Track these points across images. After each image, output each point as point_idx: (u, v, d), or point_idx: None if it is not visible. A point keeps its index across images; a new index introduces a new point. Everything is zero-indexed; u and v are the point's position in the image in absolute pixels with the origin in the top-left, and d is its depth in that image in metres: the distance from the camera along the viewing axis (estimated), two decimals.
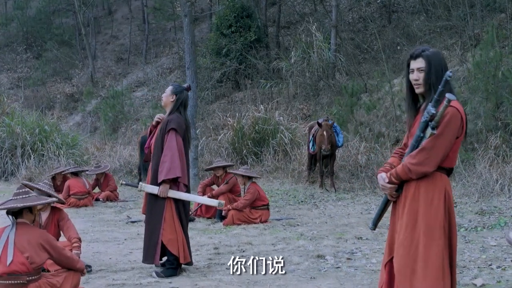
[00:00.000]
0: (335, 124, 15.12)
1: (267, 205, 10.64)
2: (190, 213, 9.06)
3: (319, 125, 14.54)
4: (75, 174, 13.86)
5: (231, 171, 11.71)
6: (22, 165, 20.78)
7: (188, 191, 6.92)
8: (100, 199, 14.37)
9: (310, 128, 15.91)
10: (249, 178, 10.71)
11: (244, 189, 10.69)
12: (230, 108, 23.39)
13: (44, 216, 7.17)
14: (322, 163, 15.03)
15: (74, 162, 20.85)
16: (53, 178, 14.58)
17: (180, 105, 6.87)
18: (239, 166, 15.52)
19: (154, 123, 7.03)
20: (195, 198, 7.72)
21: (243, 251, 7.99)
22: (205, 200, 7.86)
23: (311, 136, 15.35)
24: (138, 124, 26.26)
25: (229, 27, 25.88)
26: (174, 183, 6.70)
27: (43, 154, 21.08)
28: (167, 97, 6.92)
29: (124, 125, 27.40)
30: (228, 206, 10.47)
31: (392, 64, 21.08)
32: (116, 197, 14.73)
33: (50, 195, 6.53)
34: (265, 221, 10.41)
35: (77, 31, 39.24)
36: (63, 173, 14.58)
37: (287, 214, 11.57)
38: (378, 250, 7.69)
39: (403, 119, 18.84)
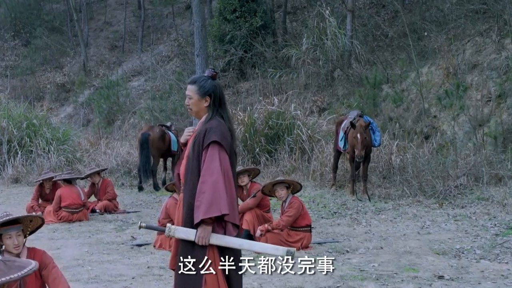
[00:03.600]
0: (371, 120, 12.98)
1: (310, 226, 8.53)
2: None
3: (352, 125, 12.37)
4: (68, 181, 11.61)
5: (279, 182, 8.98)
6: (9, 162, 18.76)
7: (239, 234, 4.73)
8: (97, 210, 12.17)
9: (339, 122, 13.81)
10: (289, 188, 8.56)
11: (285, 204, 8.51)
12: (236, 100, 21.41)
13: None
14: (354, 166, 12.96)
15: (65, 159, 18.93)
16: (41, 185, 12.42)
17: (219, 105, 4.77)
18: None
19: (183, 141, 4.91)
20: (252, 245, 4.84)
21: None
22: (267, 247, 5.01)
23: (342, 132, 13.23)
24: (136, 117, 24.28)
25: (233, 11, 23.93)
26: (219, 223, 4.50)
27: (32, 151, 19.11)
28: (197, 103, 4.75)
29: (119, 117, 25.45)
30: (266, 225, 8.37)
31: (416, 52, 18.96)
32: (116, 207, 12.52)
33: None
34: (307, 247, 8.31)
35: (69, 17, 37.50)
36: (53, 179, 12.38)
37: (327, 234, 9.51)
38: None
39: (433, 112, 16.90)
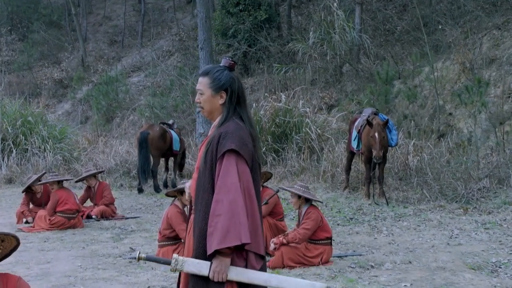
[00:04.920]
0: (387, 118, 12.06)
1: (331, 238, 7.58)
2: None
3: (369, 124, 11.44)
4: (61, 183, 10.61)
5: (282, 187, 8.33)
6: (2, 162, 17.87)
7: (264, 267, 3.70)
8: (93, 216, 11.18)
9: (352, 121, 12.92)
10: (307, 200, 7.63)
11: (302, 215, 7.54)
12: None
13: None
14: (370, 167, 12.06)
15: (62, 158, 18.09)
16: (29, 190, 11.39)
17: (237, 102, 3.85)
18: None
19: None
20: (282, 281, 3.54)
21: None
22: (301, 284, 3.71)
23: (355, 131, 12.34)
24: (135, 115, 23.41)
25: (236, 4, 23.12)
26: (239, 253, 3.54)
27: (27, 149, 18.17)
28: (210, 100, 3.82)
29: (119, 114, 24.63)
30: (281, 238, 7.43)
31: (429, 46, 18.03)
32: (113, 212, 11.52)
33: None
34: (327, 262, 7.38)
35: (67, 11, 36.76)
36: (39, 183, 11.34)
37: (346, 244, 8.60)
38: None
39: (448, 109, 16.03)
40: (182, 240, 7.59)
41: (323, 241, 7.39)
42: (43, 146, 18.41)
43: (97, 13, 38.92)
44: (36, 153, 18.10)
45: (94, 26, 37.37)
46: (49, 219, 10.13)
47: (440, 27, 18.66)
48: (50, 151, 18.12)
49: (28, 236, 9.66)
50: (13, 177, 17.28)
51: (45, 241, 9.27)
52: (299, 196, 7.51)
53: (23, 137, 18.71)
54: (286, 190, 7.77)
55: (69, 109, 28.83)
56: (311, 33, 20.43)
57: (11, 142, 18.49)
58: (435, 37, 18.91)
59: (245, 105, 3.89)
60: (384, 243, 8.55)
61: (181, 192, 7.91)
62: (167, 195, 8.43)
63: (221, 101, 3.80)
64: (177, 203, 7.98)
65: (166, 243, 7.73)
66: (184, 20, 33.35)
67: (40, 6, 38.26)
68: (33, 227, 10.25)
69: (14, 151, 18.18)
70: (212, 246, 3.41)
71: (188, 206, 4.03)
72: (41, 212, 10.36)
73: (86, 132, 23.31)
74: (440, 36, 18.74)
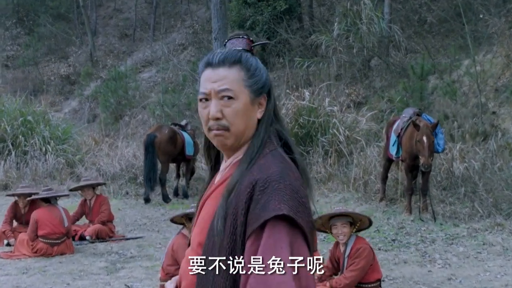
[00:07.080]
0: (432, 120, 10.37)
1: (380, 280, 5.82)
2: None
3: (416, 126, 9.68)
4: (47, 200, 8.92)
5: (340, 214, 5.93)
6: (0, 164, 16.31)
7: None
8: (87, 237, 9.49)
9: (390, 124, 11.23)
10: (353, 224, 5.81)
11: (346, 249, 5.75)
12: None
13: None
14: (411, 177, 10.36)
15: (65, 161, 16.55)
16: (14, 202, 9.74)
17: (274, 115, 2.03)
18: None
19: None
20: None
21: None
22: None
23: (395, 135, 10.63)
24: (145, 113, 21.84)
25: None
26: None
27: (27, 151, 16.60)
28: (247, 109, 1.98)
29: (128, 113, 23.11)
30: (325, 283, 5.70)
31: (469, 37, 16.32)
32: (111, 231, 9.80)
33: None
34: None
35: (75, 3, 35.23)
36: (29, 198, 9.68)
37: (394, 280, 6.87)
38: None
39: (491, 108, 14.35)
40: None
41: (372, 285, 5.64)
42: (44, 147, 16.87)
43: (107, 6, 37.63)
44: (36, 156, 16.54)
45: (104, 19, 36.06)
46: (31, 244, 8.45)
47: (481, 16, 16.88)
48: (51, 153, 16.58)
49: (5, 265, 8.01)
50: (9, 183, 15.69)
51: (24, 273, 7.59)
52: (351, 224, 5.73)
53: (23, 138, 17.16)
54: (341, 214, 5.82)
55: (76, 106, 27.40)
56: (335, 24, 18.86)
57: (10, 143, 16.96)
58: (474, 27, 17.19)
59: (282, 120, 2.10)
60: (442, 279, 6.83)
61: (190, 218, 6.15)
62: (172, 221, 6.61)
63: (259, 113, 2.04)
64: (185, 231, 6.23)
65: None
66: (199, 12, 31.90)
67: None
68: (13, 252, 8.60)
69: (13, 153, 16.66)
70: None
71: None
72: (23, 236, 8.66)
73: (93, 131, 21.76)
74: (480, 26, 17.02)
